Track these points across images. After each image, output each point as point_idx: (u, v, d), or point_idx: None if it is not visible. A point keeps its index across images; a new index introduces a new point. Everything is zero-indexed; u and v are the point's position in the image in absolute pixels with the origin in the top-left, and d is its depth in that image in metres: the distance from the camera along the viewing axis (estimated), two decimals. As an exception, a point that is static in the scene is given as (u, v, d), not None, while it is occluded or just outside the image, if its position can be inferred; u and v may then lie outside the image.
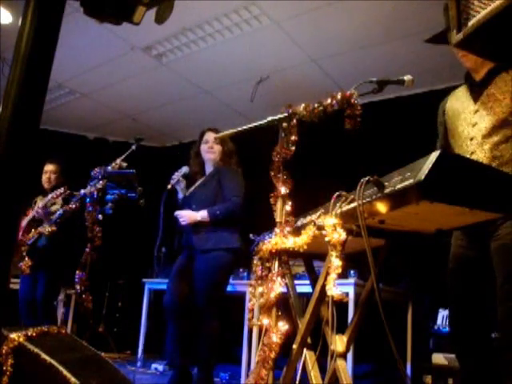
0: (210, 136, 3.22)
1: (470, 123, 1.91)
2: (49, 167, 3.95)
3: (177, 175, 3.21)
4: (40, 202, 3.67)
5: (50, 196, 3.57)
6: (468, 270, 1.92)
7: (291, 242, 1.66)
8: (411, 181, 1.20)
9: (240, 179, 3.19)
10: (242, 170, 3.27)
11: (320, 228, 1.49)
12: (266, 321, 1.68)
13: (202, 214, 3.01)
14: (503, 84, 1.82)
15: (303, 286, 2.47)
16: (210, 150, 3.20)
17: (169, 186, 3.19)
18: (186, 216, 3.05)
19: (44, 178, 3.94)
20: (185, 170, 3.24)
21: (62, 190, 3.54)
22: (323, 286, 1.50)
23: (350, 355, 3.09)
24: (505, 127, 1.78)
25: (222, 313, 3.05)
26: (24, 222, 3.71)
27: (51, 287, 3.74)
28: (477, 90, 1.93)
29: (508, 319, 1.72)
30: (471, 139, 1.88)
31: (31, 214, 3.71)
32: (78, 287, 3.03)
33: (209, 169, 3.27)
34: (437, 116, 2.15)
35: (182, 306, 3.05)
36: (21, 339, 1.30)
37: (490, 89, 1.86)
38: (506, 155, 1.78)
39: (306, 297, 2.67)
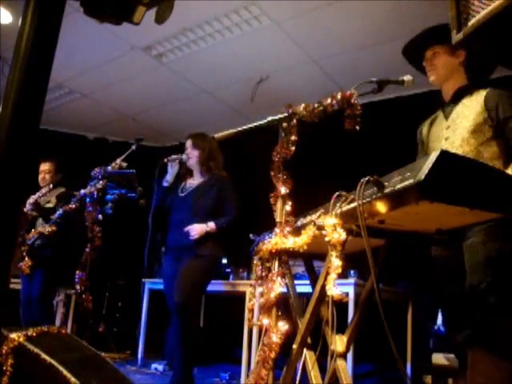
0: (187, 143, 3.38)
1: (442, 138, 2.11)
2: (43, 166, 3.96)
3: (176, 157, 3.29)
4: (31, 198, 3.68)
5: (42, 191, 3.58)
6: (448, 268, 2.03)
7: (291, 242, 1.66)
8: (411, 181, 1.20)
9: (234, 191, 3.32)
10: (227, 174, 3.37)
11: (320, 228, 1.49)
12: (265, 321, 1.68)
13: (210, 226, 3.12)
14: (469, 102, 2.05)
15: (303, 286, 2.47)
16: (188, 156, 3.32)
17: (165, 160, 3.28)
18: (197, 230, 3.08)
19: (39, 177, 3.95)
20: (184, 157, 3.32)
21: (51, 186, 3.59)
22: (323, 286, 1.50)
23: (350, 355, 3.09)
24: (472, 139, 1.97)
25: (221, 313, 3.07)
26: None
27: (47, 286, 3.73)
28: (447, 109, 2.15)
29: (476, 306, 1.82)
30: None
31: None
32: (77, 287, 3.02)
33: (196, 172, 3.36)
34: (416, 135, 2.39)
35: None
36: (21, 339, 1.30)
37: (459, 107, 2.09)
38: None
39: (306, 297, 2.67)
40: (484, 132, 1.96)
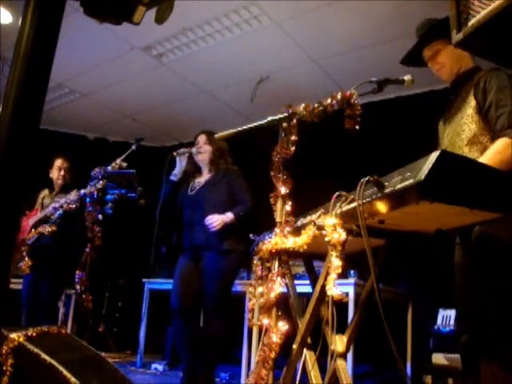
0: (200, 137, 3.31)
1: (444, 134, 2.04)
2: (63, 164, 3.95)
3: (185, 150, 3.24)
4: (52, 202, 3.62)
5: (64, 200, 3.44)
6: (463, 271, 1.96)
7: (291, 242, 1.66)
8: (411, 181, 1.20)
9: (245, 181, 3.26)
10: (236, 167, 3.33)
11: (320, 228, 1.49)
12: (266, 321, 1.68)
13: (229, 217, 3.05)
14: (465, 93, 1.95)
15: (303, 286, 2.47)
16: (199, 151, 3.25)
17: (174, 153, 3.20)
18: (219, 220, 3.01)
19: (58, 174, 3.92)
20: (194, 150, 3.25)
21: (74, 197, 3.37)
22: (323, 286, 1.50)
23: (350, 355, 3.09)
24: (466, 132, 1.89)
25: (229, 313, 3.06)
26: (32, 221, 3.68)
27: (56, 288, 3.74)
28: (449, 102, 2.07)
29: (484, 315, 1.78)
30: (446, 148, 1.99)
31: (40, 213, 3.68)
32: (78, 287, 3.02)
33: (204, 170, 3.32)
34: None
35: (190, 307, 3.05)
36: (21, 339, 1.30)
37: (456, 99, 1.99)
38: (472, 156, 1.86)
39: (306, 297, 2.66)
40: (476, 123, 1.86)
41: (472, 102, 1.88)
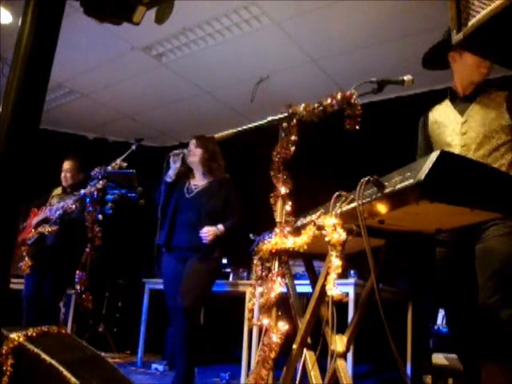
0: (191, 142, 3.38)
1: (458, 133, 2.05)
2: (64, 165, 3.97)
3: (179, 151, 3.28)
4: (56, 203, 3.62)
5: (69, 202, 3.42)
6: (453, 269, 2.02)
7: (291, 242, 1.66)
8: (411, 181, 1.20)
9: (237, 193, 3.34)
10: (228, 176, 3.38)
11: (320, 228, 1.49)
12: (265, 321, 1.68)
13: (220, 229, 3.14)
14: (488, 101, 2.02)
15: (303, 286, 2.47)
16: (190, 154, 3.31)
17: (170, 154, 3.27)
18: (211, 232, 3.09)
19: (62, 176, 3.95)
20: (186, 151, 3.30)
21: (74, 197, 3.38)
22: (323, 286, 1.50)
23: (350, 355, 3.09)
24: (494, 138, 1.95)
25: (221, 313, 3.08)
26: (35, 221, 3.68)
27: (58, 288, 3.74)
28: (462, 104, 2.10)
29: (490, 317, 1.79)
30: (462, 146, 2.02)
31: (43, 213, 3.68)
32: (77, 287, 3.02)
33: (197, 172, 3.36)
34: (418, 129, 2.34)
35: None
36: (21, 339, 1.30)
37: (477, 103, 2.04)
38: (497, 163, 1.92)
39: (306, 297, 2.67)
40: (506, 133, 1.94)
41: (504, 113, 1.96)
